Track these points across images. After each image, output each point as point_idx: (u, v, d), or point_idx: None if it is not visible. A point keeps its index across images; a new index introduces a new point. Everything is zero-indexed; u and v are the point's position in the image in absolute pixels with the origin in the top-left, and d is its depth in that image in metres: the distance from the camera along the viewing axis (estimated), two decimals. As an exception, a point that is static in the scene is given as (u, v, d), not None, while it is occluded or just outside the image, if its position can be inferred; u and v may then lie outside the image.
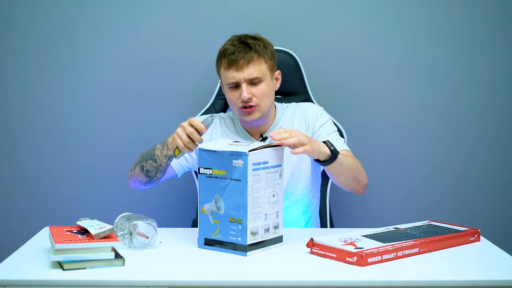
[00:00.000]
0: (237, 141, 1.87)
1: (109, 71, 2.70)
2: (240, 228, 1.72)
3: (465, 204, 2.80)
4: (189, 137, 1.89)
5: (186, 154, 2.18)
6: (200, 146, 1.79)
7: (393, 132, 2.76)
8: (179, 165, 2.21)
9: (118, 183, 2.74)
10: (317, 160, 1.96)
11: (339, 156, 1.97)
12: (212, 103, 2.53)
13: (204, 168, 1.76)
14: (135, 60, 2.70)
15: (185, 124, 1.91)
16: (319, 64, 2.70)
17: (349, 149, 2.18)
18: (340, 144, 2.17)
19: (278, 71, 2.24)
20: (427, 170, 2.79)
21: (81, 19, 2.68)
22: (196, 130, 1.89)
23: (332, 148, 1.95)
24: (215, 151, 1.75)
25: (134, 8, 2.68)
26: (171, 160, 2.08)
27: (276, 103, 2.29)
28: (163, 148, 2.04)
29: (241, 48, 2.13)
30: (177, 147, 1.93)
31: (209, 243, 1.77)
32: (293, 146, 1.84)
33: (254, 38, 2.17)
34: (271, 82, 2.18)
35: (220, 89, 2.54)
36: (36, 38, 2.68)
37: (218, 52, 2.18)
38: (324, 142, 1.95)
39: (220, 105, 2.52)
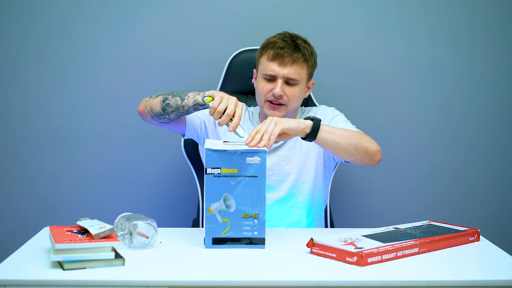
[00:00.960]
0: (226, 141, 1.91)
1: (109, 71, 2.70)
2: (257, 222, 1.78)
3: (465, 204, 2.81)
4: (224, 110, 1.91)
5: (202, 122, 2.20)
6: (205, 146, 1.79)
7: (393, 132, 2.76)
8: (192, 124, 2.20)
9: (118, 183, 2.74)
10: (305, 138, 1.94)
11: (325, 124, 1.96)
12: (212, 103, 2.53)
13: (212, 168, 1.76)
14: (136, 61, 2.70)
15: (234, 103, 1.91)
16: (319, 64, 2.69)
17: (360, 131, 2.13)
18: (351, 127, 2.16)
19: (313, 81, 2.26)
20: (427, 170, 2.79)
21: (81, 19, 2.68)
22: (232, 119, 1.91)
23: (312, 117, 1.94)
24: (224, 151, 1.76)
25: (135, 8, 2.68)
26: (195, 110, 2.05)
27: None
28: (197, 93, 2.02)
29: (291, 46, 2.15)
30: (211, 98, 1.94)
31: (218, 242, 1.78)
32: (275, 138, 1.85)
33: (304, 41, 2.20)
34: (304, 89, 2.20)
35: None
36: (37, 38, 2.68)
37: (265, 40, 2.19)
38: (305, 118, 1.95)
39: (220, 105, 2.52)
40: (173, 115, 2.08)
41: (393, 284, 1.55)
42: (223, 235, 1.78)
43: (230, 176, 1.77)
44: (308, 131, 1.92)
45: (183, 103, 2.04)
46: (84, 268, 1.58)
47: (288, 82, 2.15)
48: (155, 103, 2.10)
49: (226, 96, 1.94)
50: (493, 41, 2.74)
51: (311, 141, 1.95)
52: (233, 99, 1.93)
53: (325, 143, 1.96)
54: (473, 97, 2.77)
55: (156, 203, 2.75)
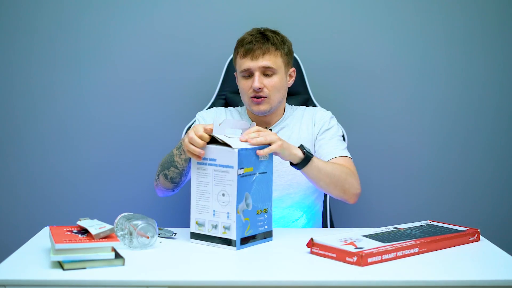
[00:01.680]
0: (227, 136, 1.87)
1: (109, 71, 2.70)
2: (267, 216, 1.83)
3: (464, 203, 2.81)
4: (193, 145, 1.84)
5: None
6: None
7: (393, 132, 2.76)
8: None
9: (118, 183, 2.74)
10: (291, 164, 1.94)
11: (315, 160, 1.95)
12: (213, 102, 2.54)
13: (240, 169, 1.76)
14: (136, 61, 2.70)
15: (191, 135, 1.82)
16: (319, 64, 2.70)
17: (349, 156, 2.16)
18: (341, 150, 2.16)
19: (293, 69, 2.26)
20: (427, 170, 2.79)
21: (86, 18, 2.68)
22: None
23: (305, 150, 1.93)
24: (246, 149, 1.76)
25: (135, 9, 2.68)
26: (189, 162, 2.03)
27: (286, 103, 2.30)
28: (180, 154, 2.02)
29: (259, 39, 2.15)
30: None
31: (244, 241, 1.79)
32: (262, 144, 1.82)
33: (273, 32, 2.20)
34: (285, 77, 2.20)
35: (221, 89, 2.55)
36: (42, 37, 2.68)
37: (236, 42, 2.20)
38: (299, 146, 1.94)
39: (221, 104, 2.53)
40: (183, 178, 2.08)
41: (393, 284, 1.55)
42: (246, 234, 1.79)
43: (249, 175, 1.78)
44: (295, 163, 1.93)
45: (180, 168, 2.03)
46: (84, 268, 1.58)
47: (265, 73, 2.15)
48: (163, 183, 2.10)
49: (185, 139, 1.83)
50: (489, 40, 2.74)
51: (296, 168, 1.95)
52: (188, 134, 1.82)
53: (308, 176, 1.98)
54: (472, 96, 2.76)
55: (156, 203, 2.75)
